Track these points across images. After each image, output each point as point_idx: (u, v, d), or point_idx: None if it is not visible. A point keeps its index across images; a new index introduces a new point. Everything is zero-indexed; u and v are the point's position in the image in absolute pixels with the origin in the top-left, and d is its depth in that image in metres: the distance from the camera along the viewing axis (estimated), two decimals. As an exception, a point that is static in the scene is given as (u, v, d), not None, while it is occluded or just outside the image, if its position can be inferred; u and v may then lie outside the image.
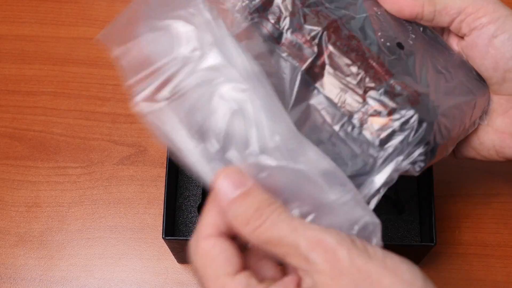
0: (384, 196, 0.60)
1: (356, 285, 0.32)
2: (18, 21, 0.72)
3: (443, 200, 0.63)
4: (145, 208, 0.64)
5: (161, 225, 0.55)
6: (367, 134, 0.40)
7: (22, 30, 0.72)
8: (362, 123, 0.40)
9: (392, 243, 0.58)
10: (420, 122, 0.39)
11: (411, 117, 0.39)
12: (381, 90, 0.40)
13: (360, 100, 0.40)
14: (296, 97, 0.40)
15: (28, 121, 0.68)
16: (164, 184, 0.58)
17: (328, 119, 0.40)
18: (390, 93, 0.40)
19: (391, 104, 0.40)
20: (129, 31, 0.38)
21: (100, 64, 0.70)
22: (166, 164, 0.56)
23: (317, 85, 0.41)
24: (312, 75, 0.41)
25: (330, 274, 0.32)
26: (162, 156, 0.65)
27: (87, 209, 0.64)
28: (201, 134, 0.36)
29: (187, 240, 0.55)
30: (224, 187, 0.34)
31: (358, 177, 0.39)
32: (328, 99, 0.40)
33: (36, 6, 0.73)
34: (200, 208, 0.60)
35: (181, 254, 0.59)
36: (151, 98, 0.37)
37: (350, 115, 0.40)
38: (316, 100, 0.41)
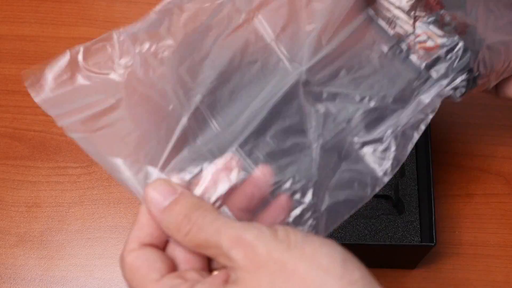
0: (384, 196, 0.60)
1: (273, 277, 0.33)
2: (18, 21, 0.72)
3: (443, 200, 0.63)
4: (145, 208, 0.64)
5: (161, 225, 0.55)
6: (413, 58, 0.42)
7: (22, 30, 0.72)
8: (409, 48, 0.42)
9: (392, 243, 0.58)
10: (465, 51, 0.42)
11: (457, 44, 0.42)
12: (431, 19, 0.42)
13: (410, 27, 0.42)
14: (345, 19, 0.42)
15: (28, 121, 0.68)
16: (164, 184, 0.58)
17: (379, 41, 0.43)
18: (439, 22, 0.42)
19: (439, 32, 0.42)
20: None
21: (100, 64, 0.70)
22: (166, 164, 0.56)
23: (370, 11, 0.43)
24: (367, 0, 0.43)
25: (249, 269, 0.33)
26: (162, 156, 0.65)
27: (87, 209, 0.64)
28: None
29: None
30: (154, 199, 0.37)
31: (403, 99, 0.41)
32: (379, 24, 0.43)
33: (36, 6, 0.73)
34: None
35: (181, 254, 0.59)
36: (80, 126, 0.40)
37: (399, 40, 0.42)
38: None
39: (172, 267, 0.37)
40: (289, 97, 0.39)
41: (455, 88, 0.42)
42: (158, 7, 0.41)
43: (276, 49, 0.40)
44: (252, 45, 0.40)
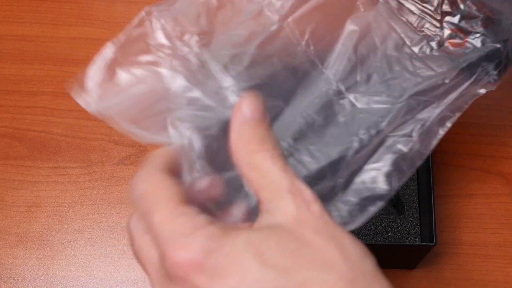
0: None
1: (318, 233, 0.32)
2: (18, 21, 0.72)
3: (443, 200, 0.63)
4: (145, 208, 0.64)
5: (161, 225, 0.55)
6: (443, 55, 0.43)
7: (22, 30, 0.72)
8: (439, 45, 0.43)
9: (392, 243, 0.58)
10: (493, 42, 0.43)
11: (485, 37, 0.43)
12: (458, 15, 0.43)
13: (438, 24, 0.44)
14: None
15: (28, 121, 0.68)
16: (164, 184, 0.58)
17: (408, 42, 0.43)
18: (466, 17, 0.43)
19: (467, 27, 0.43)
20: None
21: (100, 64, 0.70)
22: (166, 164, 0.56)
23: (397, 11, 0.44)
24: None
25: (296, 219, 0.32)
26: (162, 156, 0.65)
27: (87, 209, 0.64)
28: None
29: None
30: (250, 104, 0.35)
31: (434, 95, 0.41)
32: (408, 24, 0.44)
33: (36, 6, 0.73)
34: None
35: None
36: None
37: (428, 38, 0.44)
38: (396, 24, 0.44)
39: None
40: (324, 104, 0.40)
41: (488, 77, 0.43)
42: None
43: (308, 55, 0.40)
44: (287, 49, 0.40)
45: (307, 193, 0.33)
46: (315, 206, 0.32)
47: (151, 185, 0.33)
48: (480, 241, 0.62)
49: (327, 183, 0.38)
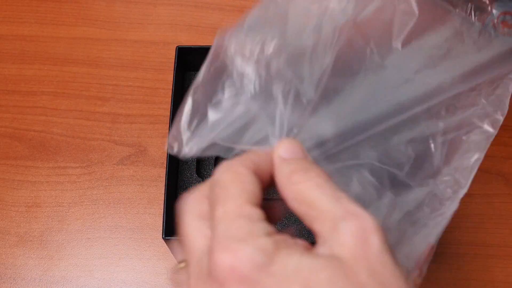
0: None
1: (373, 277, 0.29)
2: (18, 21, 0.72)
3: (443, 200, 0.63)
4: (145, 208, 0.64)
5: (161, 225, 0.55)
6: (501, 37, 0.44)
7: (22, 30, 0.72)
8: (495, 28, 0.44)
9: (392, 243, 0.58)
10: None
11: None
12: None
13: (488, 9, 0.44)
14: None
15: (28, 121, 0.68)
16: (164, 184, 0.58)
17: (466, 31, 0.44)
18: None
19: None
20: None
21: (100, 64, 0.70)
22: (166, 164, 0.56)
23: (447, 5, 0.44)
24: None
25: (353, 254, 0.30)
26: (162, 156, 0.65)
27: (87, 209, 0.64)
28: None
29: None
30: (287, 144, 0.34)
31: (498, 77, 0.41)
32: (460, 14, 0.44)
33: (36, 6, 0.73)
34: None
35: (181, 254, 0.59)
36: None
37: (483, 24, 0.44)
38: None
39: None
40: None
41: None
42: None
43: (373, 57, 0.40)
44: (352, 52, 0.39)
45: (366, 220, 0.30)
46: (375, 238, 0.30)
47: (231, 175, 0.33)
48: (480, 241, 0.62)
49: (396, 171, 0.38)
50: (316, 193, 0.31)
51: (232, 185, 0.32)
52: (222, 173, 0.33)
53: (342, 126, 0.37)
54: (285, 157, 0.34)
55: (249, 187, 0.32)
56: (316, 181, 0.32)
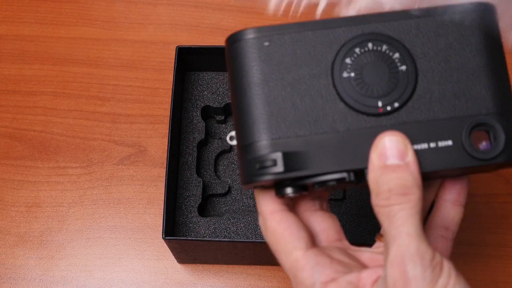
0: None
1: None
2: (18, 21, 0.72)
3: (443, 200, 0.63)
4: (145, 208, 0.64)
5: (161, 225, 0.55)
6: None
7: (22, 30, 0.72)
8: None
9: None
10: None
11: None
12: None
13: None
14: None
15: (28, 121, 0.68)
16: (164, 184, 0.58)
17: None
18: None
19: None
20: None
21: (100, 64, 0.70)
22: (166, 164, 0.56)
23: None
24: None
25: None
26: (162, 156, 0.65)
27: (87, 209, 0.64)
28: None
29: (187, 240, 0.55)
30: (388, 149, 0.35)
31: None
32: None
33: (36, 6, 0.73)
34: (200, 208, 0.60)
35: (181, 254, 0.59)
36: None
37: None
38: None
39: (311, 236, 0.37)
40: None
41: None
42: None
43: None
44: None
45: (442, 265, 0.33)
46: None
47: (271, 236, 0.37)
48: (480, 241, 0.62)
49: None
50: (398, 223, 0.33)
51: (277, 246, 0.37)
52: (264, 234, 0.38)
53: None
54: (389, 163, 0.34)
55: (289, 237, 0.37)
56: (406, 212, 0.33)
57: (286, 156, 0.36)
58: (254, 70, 0.37)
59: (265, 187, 0.38)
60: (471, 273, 0.61)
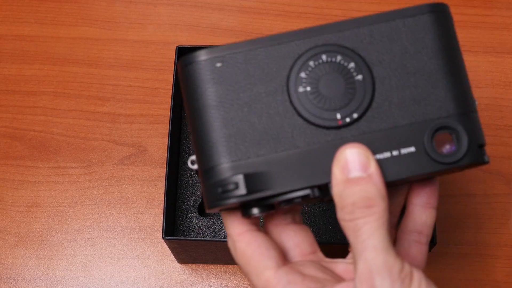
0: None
1: None
2: (18, 21, 0.72)
3: (443, 200, 0.63)
4: (145, 208, 0.64)
5: (161, 225, 0.55)
6: None
7: (22, 30, 0.72)
8: None
9: (392, 243, 0.58)
10: None
11: None
12: None
13: None
14: None
15: (28, 121, 0.68)
16: (164, 184, 0.58)
17: None
18: None
19: None
20: None
21: (100, 64, 0.70)
22: (166, 164, 0.56)
23: None
24: None
25: None
26: (162, 156, 0.65)
27: (87, 209, 0.64)
28: None
29: (187, 240, 0.55)
30: (349, 162, 0.34)
31: None
32: None
33: (36, 6, 0.73)
34: (200, 208, 0.60)
35: (181, 254, 0.59)
36: None
37: None
38: None
39: (282, 254, 0.36)
40: None
41: None
42: None
43: None
44: None
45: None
46: None
47: (241, 259, 0.37)
48: (480, 241, 0.62)
49: None
50: (364, 237, 0.33)
51: (248, 267, 0.37)
52: (234, 256, 0.38)
53: None
54: (352, 176, 0.34)
55: (259, 257, 0.37)
56: (371, 226, 0.33)
57: (248, 178, 0.35)
58: (209, 93, 0.36)
59: (231, 209, 0.37)
60: (471, 273, 0.61)
